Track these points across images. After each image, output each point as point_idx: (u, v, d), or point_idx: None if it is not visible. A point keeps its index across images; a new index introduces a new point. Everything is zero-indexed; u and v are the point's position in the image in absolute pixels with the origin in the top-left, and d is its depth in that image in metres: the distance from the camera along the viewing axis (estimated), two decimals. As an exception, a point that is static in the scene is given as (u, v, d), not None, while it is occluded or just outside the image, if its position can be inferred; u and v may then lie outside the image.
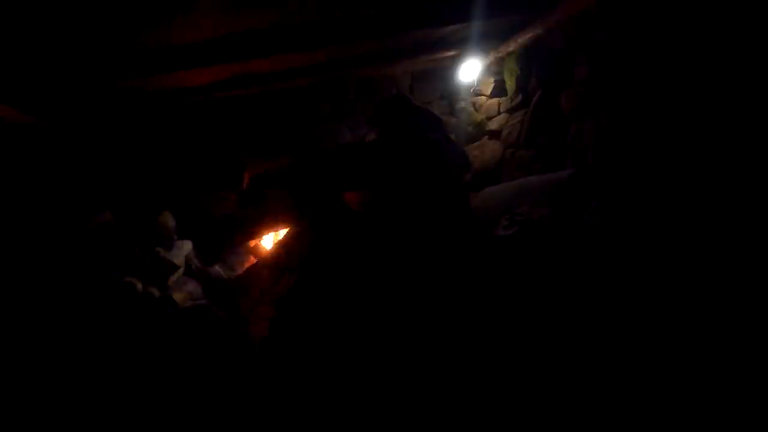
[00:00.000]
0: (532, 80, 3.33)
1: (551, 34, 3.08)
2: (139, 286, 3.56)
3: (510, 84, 3.74)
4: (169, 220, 3.71)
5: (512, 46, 3.49)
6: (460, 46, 3.68)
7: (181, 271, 3.85)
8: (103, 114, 3.69)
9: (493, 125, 3.91)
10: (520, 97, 3.53)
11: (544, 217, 2.56)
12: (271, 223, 3.78)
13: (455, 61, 4.01)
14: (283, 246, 3.33)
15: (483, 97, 4.10)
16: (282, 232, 3.77)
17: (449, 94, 4.44)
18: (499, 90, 3.94)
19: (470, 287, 2.28)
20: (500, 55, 3.73)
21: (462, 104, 4.31)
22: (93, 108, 3.55)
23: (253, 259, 4.09)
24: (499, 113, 3.89)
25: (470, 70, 3.93)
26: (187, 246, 3.84)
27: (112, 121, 3.86)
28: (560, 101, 3.00)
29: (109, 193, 3.86)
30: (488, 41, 3.56)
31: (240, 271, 3.91)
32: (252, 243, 4.21)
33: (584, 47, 2.76)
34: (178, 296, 3.71)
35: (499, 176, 3.69)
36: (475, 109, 4.19)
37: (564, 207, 2.65)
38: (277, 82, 3.88)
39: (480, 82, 4.07)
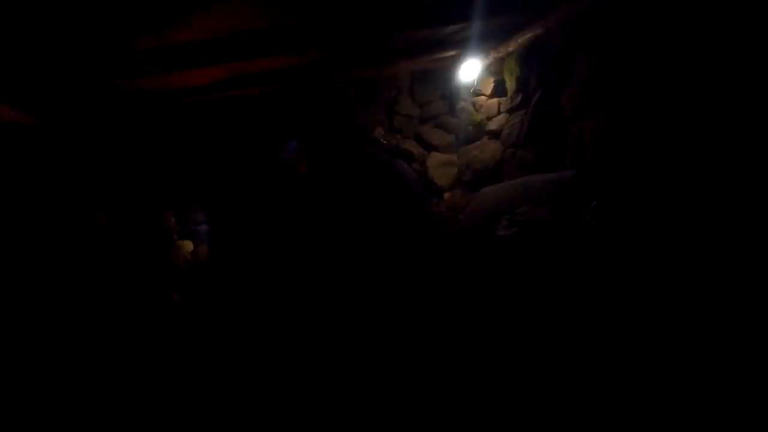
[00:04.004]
0: (532, 80, 3.33)
1: (551, 34, 3.08)
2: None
3: (510, 84, 3.74)
4: (170, 220, 3.72)
5: (512, 46, 3.49)
6: (460, 46, 3.68)
7: (181, 270, 3.86)
8: (103, 113, 3.69)
9: (493, 125, 3.91)
10: (520, 97, 3.53)
11: (544, 217, 2.56)
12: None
13: (455, 61, 4.01)
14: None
15: (483, 97, 4.10)
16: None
17: (449, 94, 4.44)
18: (499, 90, 3.93)
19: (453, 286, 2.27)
20: (500, 55, 3.73)
21: (462, 104, 4.31)
22: (93, 107, 3.56)
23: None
24: (499, 113, 3.89)
25: (470, 70, 3.92)
26: (187, 246, 3.85)
27: (113, 121, 3.86)
28: (560, 101, 3.00)
29: (107, 194, 3.87)
30: (488, 41, 3.56)
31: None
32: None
33: (584, 47, 2.76)
34: (178, 295, 3.71)
35: (499, 176, 3.69)
36: (475, 109, 4.19)
37: (565, 207, 2.65)
38: (275, 83, 3.88)
39: (480, 82, 4.07)
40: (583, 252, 2.23)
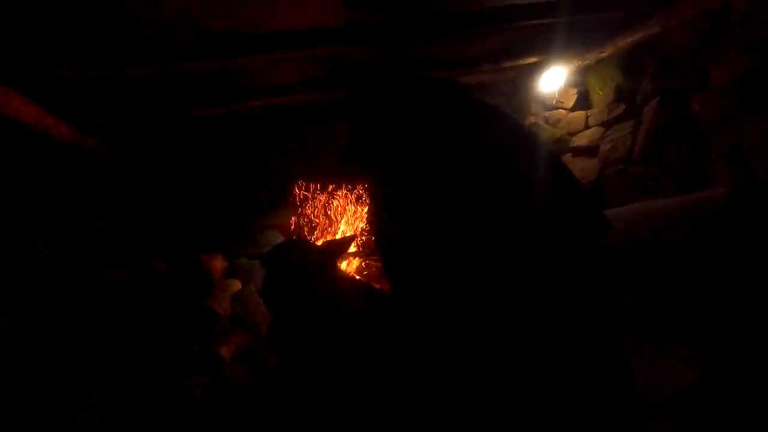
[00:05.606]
0: (646, 86, 2.87)
1: (673, 32, 2.66)
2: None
3: (602, 94, 3.30)
4: (219, 263, 3.10)
5: (608, 50, 3.06)
6: (540, 53, 3.26)
7: (226, 320, 3.25)
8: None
9: (581, 141, 3.44)
10: (621, 107, 3.08)
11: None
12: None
13: (519, 72, 3.63)
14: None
15: (561, 110, 3.65)
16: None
17: (512, 109, 4.00)
18: (581, 102, 3.50)
19: None
20: (587, 62, 3.30)
21: (531, 119, 3.86)
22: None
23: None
24: (587, 127, 3.43)
25: (547, 81, 3.49)
26: (234, 286, 3.23)
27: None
28: (692, 108, 2.55)
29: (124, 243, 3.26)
30: (572, 47, 3.15)
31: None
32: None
33: (732, 42, 2.33)
34: (225, 350, 3.11)
35: (599, 198, 3.20)
36: (551, 124, 3.74)
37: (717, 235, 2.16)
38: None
39: (560, 93, 3.63)
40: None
